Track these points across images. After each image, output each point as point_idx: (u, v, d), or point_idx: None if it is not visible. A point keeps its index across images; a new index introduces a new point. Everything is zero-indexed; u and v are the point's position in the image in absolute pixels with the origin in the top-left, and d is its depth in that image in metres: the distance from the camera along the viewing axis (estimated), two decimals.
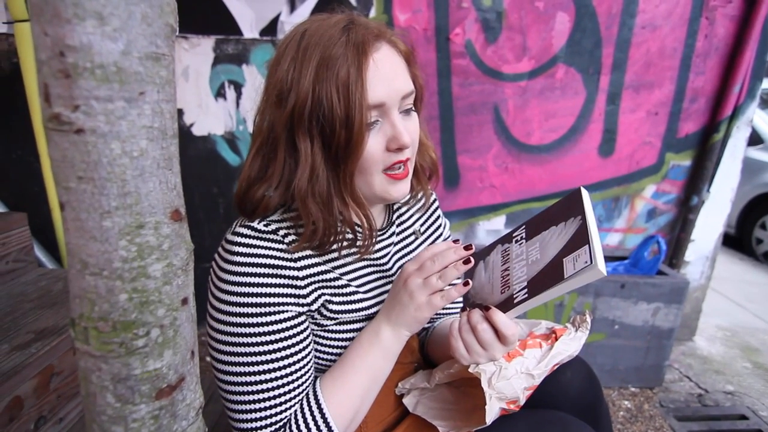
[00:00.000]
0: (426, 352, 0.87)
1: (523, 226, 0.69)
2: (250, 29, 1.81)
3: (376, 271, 0.74)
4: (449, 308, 0.89)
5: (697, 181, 1.99)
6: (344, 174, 0.61)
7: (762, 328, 2.38)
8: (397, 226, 0.80)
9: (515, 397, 0.63)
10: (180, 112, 1.88)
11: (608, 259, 1.98)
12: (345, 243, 0.67)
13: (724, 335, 2.27)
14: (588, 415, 0.79)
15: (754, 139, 3.40)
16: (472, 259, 0.62)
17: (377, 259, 0.74)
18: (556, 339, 0.70)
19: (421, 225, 0.85)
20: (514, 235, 0.69)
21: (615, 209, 2.06)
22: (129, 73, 0.38)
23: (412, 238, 0.83)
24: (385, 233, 0.76)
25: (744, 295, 2.79)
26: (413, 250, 0.82)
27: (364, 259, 0.72)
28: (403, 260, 0.79)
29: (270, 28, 1.81)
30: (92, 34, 0.37)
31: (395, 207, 0.81)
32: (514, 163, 1.98)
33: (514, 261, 0.66)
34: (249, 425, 0.61)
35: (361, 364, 0.66)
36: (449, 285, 0.63)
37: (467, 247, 0.63)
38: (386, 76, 0.60)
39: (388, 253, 0.77)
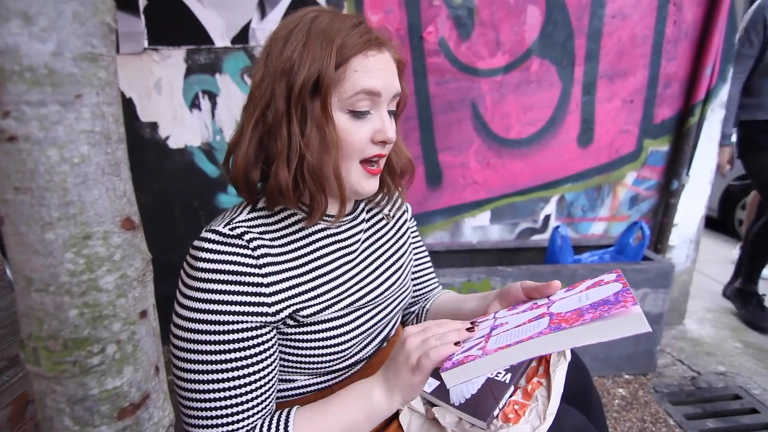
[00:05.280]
0: None
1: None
2: (221, 38, 1.78)
3: (345, 253, 0.73)
4: (428, 283, 0.94)
5: (676, 165, 2.00)
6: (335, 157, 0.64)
7: None
8: (366, 213, 0.80)
9: None
10: (155, 126, 1.85)
11: (594, 247, 1.98)
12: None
13: (713, 317, 2.29)
14: (578, 402, 0.78)
15: None
16: (475, 328, 0.63)
17: (346, 239, 0.73)
18: (547, 365, 0.72)
19: (390, 210, 0.85)
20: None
21: (598, 198, 2.07)
22: (62, 75, 0.36)
23: (383, 222, 0.83)
24: (357, 218, 0.77)
25: (730, 276, 2.82)
26: (383, 236, 0.82)
27: (330, 236, 0.71)
28: (373, 247, 0.79)
29: (241, 36, 1.79)
30: (18, 35, 0.35)
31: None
32: (495, 158, 1.98)
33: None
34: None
35: (341, 414, 0.62)
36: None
37: (470, 329, 0.62)
38: (386, 71, 0.65)
39: (359, 240, 0.76)
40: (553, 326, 0.52)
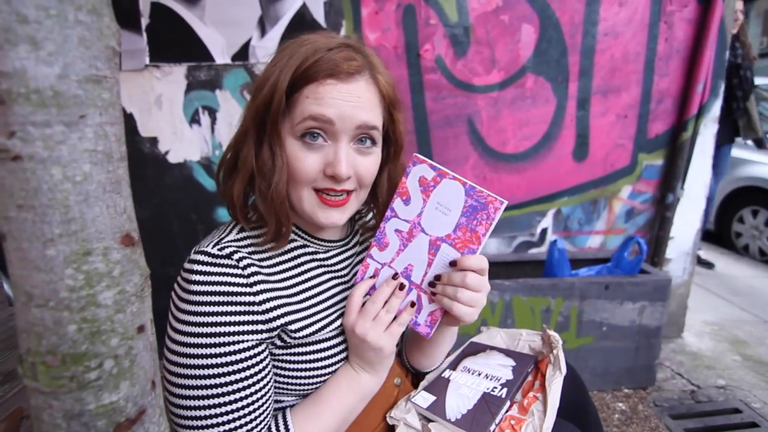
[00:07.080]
0: (409, 360, 0.86)
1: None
2: (221, 55, 1.82)
3: (334, 277, 0.73)
4: None
5: (670, 179, 2.03)
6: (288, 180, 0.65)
7: (748, 320, 2.40)
8: (361, 235, 0.80)
9: None
10: (155, 141, 1.87)
11: (590, 261, 1.99)
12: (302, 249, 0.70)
13: (712, 330, 2.29)
14: (575, 416, 0.78)
15: None
16: (405, 283, 0.67)
17: (334, 264, 0.74)
18: (543, 380, 0.73)
19: None
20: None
21: (594, 212, 2.09)
22: (67, 97, 0.38)
23: None
24: (348, 243, 0.77)
25: (728, 288, 2.83)
26: None
27: (317, 260, 0.72)
28: None
29: (242, 53, 1.82)
30: (26, 59, 0.36)
31: (357, 217, 0.81)
32: (491, 173, 2.00)
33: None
34: None
35: (337, 405, 0.67)
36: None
37: (394, 276, 0.67)
38: (346, 100, 0.61)
39: (350, 264, 0.76)
40: (464, 251, 0.64)
